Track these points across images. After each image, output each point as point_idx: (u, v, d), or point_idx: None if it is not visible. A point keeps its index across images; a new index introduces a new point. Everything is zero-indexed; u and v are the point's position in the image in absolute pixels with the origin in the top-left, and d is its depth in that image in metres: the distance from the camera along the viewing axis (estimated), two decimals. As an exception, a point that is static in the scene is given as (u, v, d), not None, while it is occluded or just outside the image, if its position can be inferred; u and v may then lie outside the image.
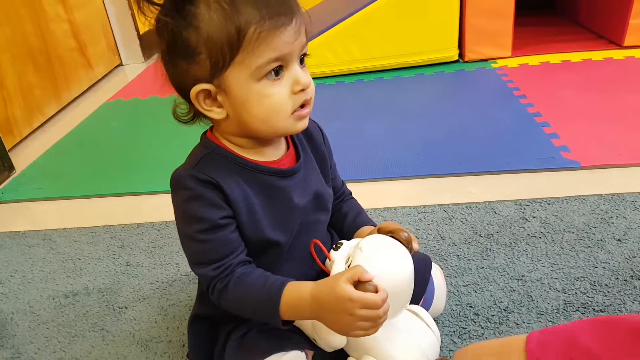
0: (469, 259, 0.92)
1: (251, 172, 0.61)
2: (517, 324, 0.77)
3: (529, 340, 0.53)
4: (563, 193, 1.08)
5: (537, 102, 1.48)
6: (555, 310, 0.79)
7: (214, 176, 0.58)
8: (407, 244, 0.60)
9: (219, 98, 0.57)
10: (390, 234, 0.60)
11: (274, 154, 0.64)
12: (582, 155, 1.19)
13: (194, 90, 0.56)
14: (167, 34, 0.55)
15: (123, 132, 1.68)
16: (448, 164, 1.23)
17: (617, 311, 0.78)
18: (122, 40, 2.35)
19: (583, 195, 1.06)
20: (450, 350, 0.74)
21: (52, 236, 1.14)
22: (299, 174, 0.65)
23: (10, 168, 1.47)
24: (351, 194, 0.79)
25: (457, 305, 0.82)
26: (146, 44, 2.38)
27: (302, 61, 0.58)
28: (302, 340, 0.65)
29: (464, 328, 0.78)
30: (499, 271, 0.88)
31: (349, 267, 0.58)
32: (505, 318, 0.79)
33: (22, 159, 1.55)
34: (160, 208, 1.19)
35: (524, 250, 0.93)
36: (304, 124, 0.60)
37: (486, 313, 0.80)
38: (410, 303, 0.64)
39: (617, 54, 1.77)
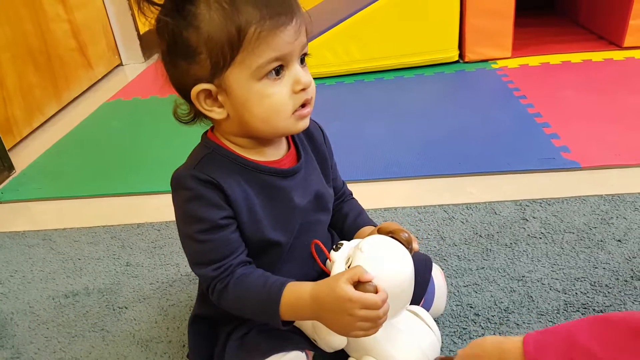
0: (469, 260, 0.92)
1: (252, 172, 0.61)
2: (518, 325, 0.77)
3: (526, 343, 0.53)
4: (563, 193, 1.08)
5: (537, 103, 1.48)
6: (556, 311, 0.79)
7: (214, 176, 0.58)
8: (407, 244, 0.60)
9: (220, 98, 0.57)
10: (390, 235, 0.60)
11: (275, 154, 0.64)
12: (582, 156, 1.19)
13: (195, 90, 0.56)
14: (168, 34, 0.55)
15: (123, 132, 1.68)
16: (448, 165, 1.23)
17: (618, 311, 0.78)
18: (122, 40, 2.35)
19: (583, 196, 1.06)
20: (450, 350, 0.74)
21: (52, 236, 1.14)
22: (299, 174, 0.65)
23: (10, 168, 1.47)
24: (352, 194, 0.79)
25: (458, 305, 0.82)
26: (146, 44, 2.38)
27: (302, 61, 0.58)
28: (303, 341, 0.65)
29: (464, 328, 0.78)
30: (499, 272, 0.88)
31: (349, 267, 0.58)
32: (505, 318, 0.78)
33: (22, 158, 1.54)
34: (160, 208, 1.19)
35: (524, 251, 0.93)
36: (304, 124, 0.60)
37: (486, 313, 0.80)
38: (410, 303, 0.64)
39: (617, 55, 1.77)
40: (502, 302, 0.82)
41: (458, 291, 0.85)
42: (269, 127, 0.58)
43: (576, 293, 0.82)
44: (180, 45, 0.54)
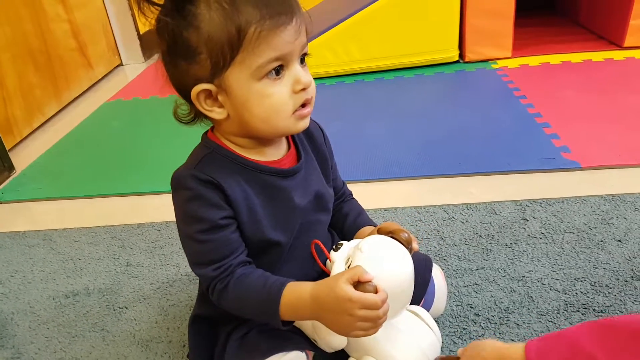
0: (469, 260, 0.92)
1: (252, 172, 0.61)
2: (518, 325, 0.77)
3: (528, 350, 0.52)
4: (563, 194, 1.08)
5: (538, 103, 1.48)
6: (556, 311, 0.79)
7: (214, 176, 0.58)
8: (407, 244, 0.60)
9: (220, 98, 0.57)
10: (390, 235, 0.60)
11: (275, 154, 0.64)
12: (582, 156, 1.19)
13: (195, 90, 0.56)
14: (168, 34, 0.55)
15: (123, 132, 1.68)
16: (448, 165, 1.23)
17: (618, 312, 0.78)
18: (122, 40, 2.36)
19: (583, 196, 1.06)
20: (450, 350, 0.74)
21: (53, 236, 1.14)
22: (299, 174, 0.65)
23: (11, 168, 1.47)
24: (352, 194, 0.79)
25: (458, 305, 0.82)
26: (146, 44, 2.38)
27: (302, 61, 0.58)
28: (303, 341, 0.65)
29: (464, 328, 0.78)
30: (499, 272, 0.88)
31: (349, 267, 0.58)
32: (505, 318, 0.78)
33: (22, 159, 1.55)
34: (160, 208, 1.19)
35: (524, 251, 0.92)
36: (305, 124, 0.60)
37: (487, 313, 0.80)
38: (410, 303, 0.64)
39: (617, 55, 1.77)
40: (502, 302, 0.82)
41: (458, 291, 0.85)
42: (269, 127, 0.58)
43: (576, 293, 0.82)
44: (181, 46, 0.54)
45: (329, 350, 0.64)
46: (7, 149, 1.48)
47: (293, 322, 0.62)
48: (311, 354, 0.68)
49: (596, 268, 0.87)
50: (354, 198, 0.79)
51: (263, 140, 0.62)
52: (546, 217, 1.01)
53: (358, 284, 0.54)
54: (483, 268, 0.89)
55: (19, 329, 0.89)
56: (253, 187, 0.61)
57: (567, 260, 0.89)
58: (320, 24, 1.84)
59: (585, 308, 0.79)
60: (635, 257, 0.88)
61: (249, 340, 0.65)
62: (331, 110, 1.60)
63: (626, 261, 0.88)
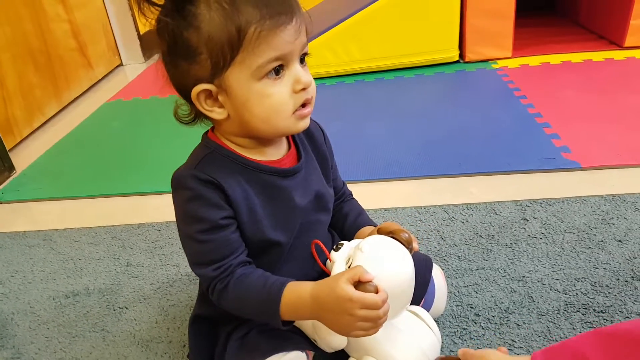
0: (469, 260, 0.92)
1: (252, 172, 0.61)
2: (518, 325, 0.77)
3: None
4: (564, 194, 1.08)
5: (538, 103, 1.48)
6: (556, 311, 0.79)
7: (215, 176, 0.58)
8: (407, 244, 0.60)
9: (220, 98, 0.57)
10: (390, 235, 0.60)
11: (275, 154, 0.64)
12: (582, 156, 1.19)
13: (195, 90, 0.56)
14: (168, 34, 0.55)
15: (123, 133, 1.68)
16: (448, 165, 1.23)
17: (618, 312, 0.78)
18: (122, 41, 2.36)
19: (584, 196, 1.06)
20: (450, 351, 0.74)
21: (53, 236, 1.14)
22: (300, 174, 0.65)
23: (11, 168, 1.47)
24: (352, 194, 0.79)
25: (458, 305, 0.82)
26: (146, 44, 2.38)
27: (302, 60, 0.58)
28: (303, 341, 0.65)
29: (464, 329, 0.78)
30: (499, 272, 0.88)
31: (349, 267, 0.58)
32: (506, 319, 0.78)
33: (23, 159, 1.55)
34: (160, 208, 1.19)
35: (524, 251, 0.92)
36: (305, 124, 0.60)
37: (487, 314, 0.80)
38: (410, 304, 0.64)
39: (617, 55, 1.77)
40: (502, 303, 0.82)
41: (458, 291, 0.85)
42: (270, 127, 0.58)
43: (577, 293, 0.82)
44: (181, 46, 0.54)
45: (329, 350, 0.64)
46: (7, 149, 1.48)
47: (293, 322, 0.62)
48: (311, 354, 0.68)
49: (596, 268, 0.87)
50: (354, 198, 0.79)
51: (263, 140, 0.62)
52: (546, 217, 1.01)
53: (359, 284, 0.54)
54: (483, 268, 0.89)
55: (19, 329, 0.89)
56: (253, 187, 0.61)
57: (568, 261, 0.89)
58: (320, 24, 1.84)
59: (586, 308, 0.79)
60: (636, 258, 0.88)
61: (249, 340, 0.65)
62: (331, 110, 1.60)
63: (626, 261, 0.88)
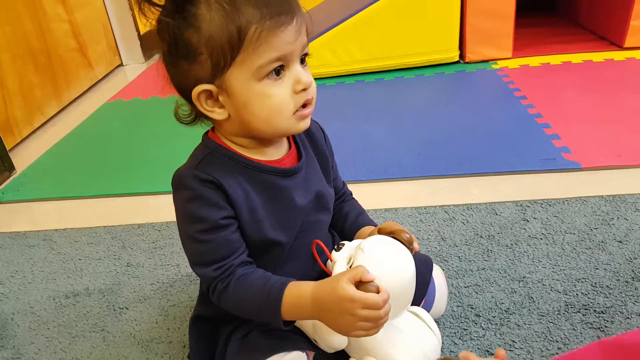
0: (470, 260, 0.92)
1: (253, 172, 0.61)
2: (518, 325, 0.77)
3: None
4: (564, 194, 1.08)
5: (538, 103, 1.48)
6: (557, 312, 0.79)
7: (215, 176, 0.58)
8: (408, 244, 0.60)
9: (221, 98, 0.57)
10: (391, 235, 0.60)
11: (276, 154, 0.64)
12: (583, 157, 1.19)
13: (196, 91, 0.56)
14: (168, 34, 0.55)
15: (124, 133, 1.68)
16: (449, 165, 1.23)
17: (619, 312, 0.77)
18: (122, 41, 2.36)
19: (584, 197, 1.06)
20: (451, 351, 0.74)
21: (53, 236, 1.14)
22: (300, 174, 0.65)
23: (11, 168, 1.47)
24: (352, 194, 0.79)
25: (458, 306, 0.82)
26: (146, 44, 2.38)
27: (303, 61, 0.58)
28: (303, 341, 0.65)
29: (465, 329, 0.78)
30: (500, 272, 0.88)
31: (350, 267, 0.58)
32: (506, 319, 0.78)
33: (23, 159, 1.54)
34: (161, 208, 1.19)
35: (525, 252, 0.92)
36: (305, 124, 0.60)
37: (487, 314, 0.80)
38: (411, 304, 0.64)
39: (617, 55, 1.77)
40: (503, 303, 0.82)
41: (459, 292, 0.85)
42: (270, 127, 0.58)
43: (577, 294, 0.82)
44: (181, 46, 0.54)
45: (329, 350, 0.64)
46: (7, 149, 1.48)
47: (294, 322, 0.62)
48: (312, 354, 0.68)
49: (597, 269, 0.87)
50: (354, 198, 0.79)
51: (264, 140, 0.62)
52: (547, 218, 1.01)
53: (360, 284, 0.54)
54: (484, 269, 0.89)
55: (19, 330, 0.89)
56: (254, 187, 0.61)
57: (568, 261, 0.89)
58: (320, 24, 1.84)
59: (586, 309, 0.79)
60: (636, 258, 0.88)
61: (250, 340, 0.65)
62: (331, 111, 1.60)
63: (627, 262, 0.88)
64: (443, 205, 1.08)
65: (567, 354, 0.55)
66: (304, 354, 0.64)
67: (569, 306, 0.80)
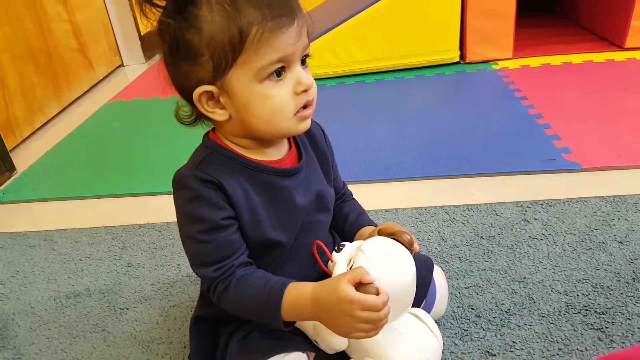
0: (470, 261, 0.92)
1: (253, 172, 0.61)
2: (519, 326, 0.77)
3: None
4: (564, 195, 1.08)
5: (539, 104, 1.48)
6: (557, 313, 0.79)
7: (216, 176, 0.58)
8: (409, 246, 0.60)
9: (222, 99, 0.57)
10: (392, 236, 0.60)
11: (276, 154, 0.64)
12: (583, 157, 1.19)
13: (197, 92, 0.56)
14: (169, 35, 0.55)
15: (124, 133, 1.68)
16: (449, 166, 1.23)
17: (619, 313, 0.77)
18: (123, 41, 2.36)
19: (584, 197, 1.06)
20: (451, 352, 0.74)
21: (54, 237, 1.14)
22: (301, 174, 0.65)
23: (12, 168, 1.47)
24: (352, 194, 0.79)
25: (459, 307, 0.82)
26: (147, 44, 2.39)
27: (303, 62, 0.58)
28: (304, 342, 0.65)
29: (465, 330, 0.78)
30: (500, 273, 0.88)
31: (350, 269, 0.58)
32: (506, 320, 0.78)
33: (24, 159, 1.55)
34: (161, 209, 1.20)
35: (525, 252, 0.92)
36: (306, 125, 0.60)
37: (488, 315, 0.80)
38: (412, 305, 0.64)
39: (618, 56, 1.77)
40: (503, 304, 0.82)
41: (459, 293, 0.85)
42: (271, 128, 0.58)
43: (577, 295, 0.82)
44: (182, 47, 0.54)
45: (330, 351, 0.64)
46: (8, 149, 1.48)
47: (294, 323, 0.62)
48: (312, 355, 0.68)
49: (597, 269, 0.87)
50: (354, 198, 0.79)
51: (264, 141, 0.62)
52: (547, 219, 1.01)
53: (359, 286, 0.54)
54: (484, 269, 0.89)
55: (20, 330, 0.89)
56: (254, 187, 0.61)
57: (568, 262, 0.89)
58: (321, 25, 1.84)
59: (587, 310, 0.79)
60: (637, 259, 0.88)
61: (250, 341, 0.65)
62: (332, 111, 1.60)
63: (627, 263, 0.88)
64: (443, 206, 1.08)
65: None
66: (305, 355, 0.64)
67: (570, 307, 0.80)
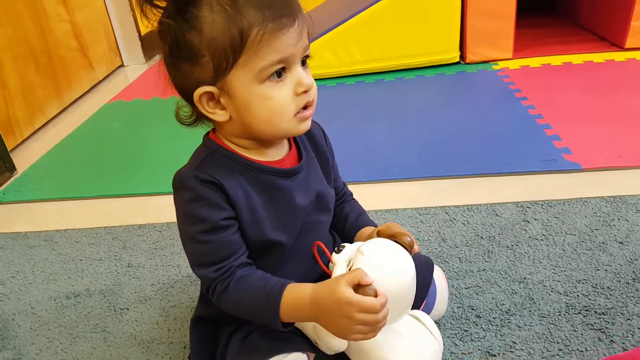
0: (470, 262, 0.92)
1: (253, 172, 0.61)
2: (519, 327, 0.77)
3: None
4: (565, 195, 1.08)
5: (539, 104, 1.48)
6: (557, 313, 0.79)
7: (216, 176, 0.58)
8: (409, 248, 0.60)
9: (222, 100, 0.57)
10: (392, 238, 0.60)
11: (276, 155, 0.64)
12: (583, 158, 1.19)
13: (197, 92, 0.56)
14: (170, 36, 0.55)
15: (124, 133, 1.68)
16: (449, 166, 1.23)
17: (620, 314, 0.77)
18: (123, 41, 2.36)
19: (585, 198, 1.06)
20: (451, 352, 0.74)
21: (54, 237, 1.14)
22: (301, 174, 0.65)
23: (12, 169, 1.47)
24: (352, 194, 0.79)
25: (459, 307, 0.82)
26: (147, 45, 2.39)
27: (304, 63, 0.58)
28: (304, 343, 0.65)
29: (465, 330, 0.78)
30: (500, 273, 0.88)
31: (350, 270, 0.58)
32: (507, 320, 0.78)
33: (24, 159, 1.55)
34: (161, 209, 1.20)
35: (525, 253, 0.92)
36: (306, 126, 0.60)
37: (488, 315, 0.80)
38: (412, 306, 0.64)
39: (618, 56, 1.77)
40: (503, 304, 0.82)
41: (459, 293, 0.85)
42: (272, 129, 0.58)
43: (578, 295, 0.82)
44: (183, 48, 0.54)
45: (329, 352, 0.64)
46: (8, 149, 1.48)
47: (294, 323, 0.62)
48: (312, 355, 0.68)
49: (598, 270, 0.87)
50: (354, 198, 0.79)
51: (264, 142, 0.62)
52: (547, 219, 1.01)
53: (358, 287, 0.54)
54: (484, 270, 0.89)
55: (20, 330, 0.89)
56: (254, 187, 0.61)
57: (569, 262, 0.89)
58: (321, 25, 1.84)
59: (587, 310, 0.79)
60: (637, 259, 0.88)
61: (250, 341, 0.65)
62: (332, 111, 1.60)
63: (628, 263, 0.88)
64: (443, 206, 1.08)
65: None
66: (305, 355, 0.64)
67: (570, 307, 0.80)
